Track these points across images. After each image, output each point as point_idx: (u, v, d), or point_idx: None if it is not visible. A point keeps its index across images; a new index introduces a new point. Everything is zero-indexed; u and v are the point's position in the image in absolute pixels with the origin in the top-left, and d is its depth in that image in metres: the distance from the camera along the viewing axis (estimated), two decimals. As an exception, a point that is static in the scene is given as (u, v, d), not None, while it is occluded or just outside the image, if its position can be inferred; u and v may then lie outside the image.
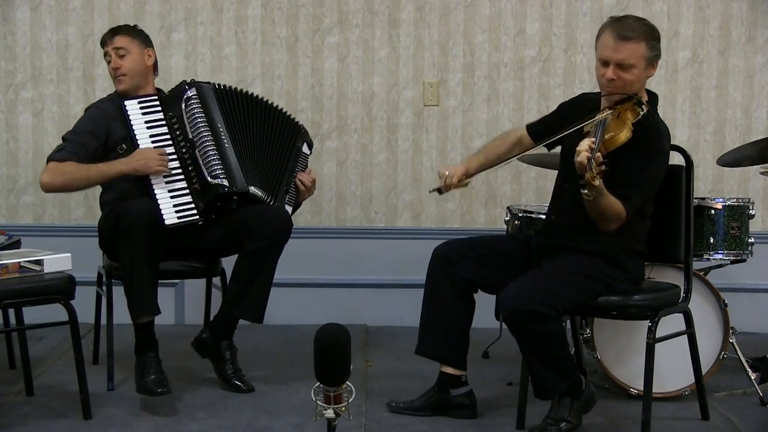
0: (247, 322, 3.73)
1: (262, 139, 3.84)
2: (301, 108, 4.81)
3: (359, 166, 4.86)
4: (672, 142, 3.35)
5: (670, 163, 3.36)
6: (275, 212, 3.72)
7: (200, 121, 3.69)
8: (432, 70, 4.83)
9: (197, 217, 3.63)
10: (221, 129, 3.72)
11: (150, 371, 3.45)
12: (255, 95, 3.91)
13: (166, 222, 3.56)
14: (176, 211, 3.59)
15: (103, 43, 3.83)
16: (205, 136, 3.68)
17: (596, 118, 3.11)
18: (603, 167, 2.92)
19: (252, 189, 3.72)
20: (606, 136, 3.03)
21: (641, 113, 3.11)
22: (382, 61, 4.82)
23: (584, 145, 2.94)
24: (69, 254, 3.41)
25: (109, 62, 3.78)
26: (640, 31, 3.15)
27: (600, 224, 3.12)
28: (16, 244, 3.82)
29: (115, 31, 3.82)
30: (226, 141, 3.71)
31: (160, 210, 3.56)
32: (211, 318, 3.88)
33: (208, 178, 3.63)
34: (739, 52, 4.82)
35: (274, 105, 3.94)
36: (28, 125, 4.79)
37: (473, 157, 3.58)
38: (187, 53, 4.77)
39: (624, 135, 3.06)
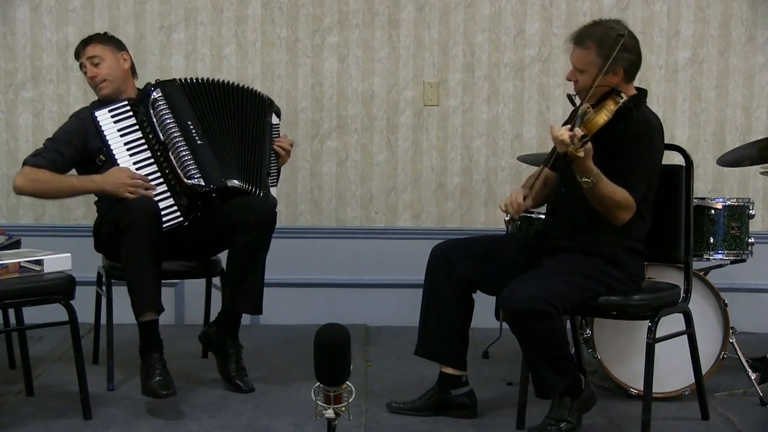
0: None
1: (235, 126, 3.81)
2: (301, 108, 4.81)
3: (359, 166, 4.86)
4: (672, 142, 3.35)
5: (670, 162, 3.37)
6: (258, 203, 3.71)
7: (169, 122, 3.66)
8: (432, 70, 4.83)
9: (182, 219, 3.64)
10: (191, 126, 3.70)
11: (155, 373, 3.40)
12: (221, 81, 3.86)
13: None
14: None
15: (77, 55, 3.82)
16: (176, 136, 3.65)
17: (578, 113, 3.13)
18: (585, 140, 2.92)
19: (230, 182, 3.71)
20: (585, 119, 3.06)
21: (621, 101, 3.11)
22: (382, 61, 4.82)
23: (562, 129, 2.97)
24: (69, 254, 3.41)
25: (85, 73, 3.79)
26: (591, 39, 3.17)
27: (612, 215, 3.12)
28: (16, 244, 3.82)
29: (86, 42, 3.80)
30: (197, 137, 3.69)
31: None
32: (212, 318, 3.88)
33: (184, 179, 3.62)
34: (739, 52, 4.82)
35: (237, 85, 3.88)
36: (28, 125, 4.78)
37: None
38: (187, 53, 4.77)
39: (603, 117, 3.07)
